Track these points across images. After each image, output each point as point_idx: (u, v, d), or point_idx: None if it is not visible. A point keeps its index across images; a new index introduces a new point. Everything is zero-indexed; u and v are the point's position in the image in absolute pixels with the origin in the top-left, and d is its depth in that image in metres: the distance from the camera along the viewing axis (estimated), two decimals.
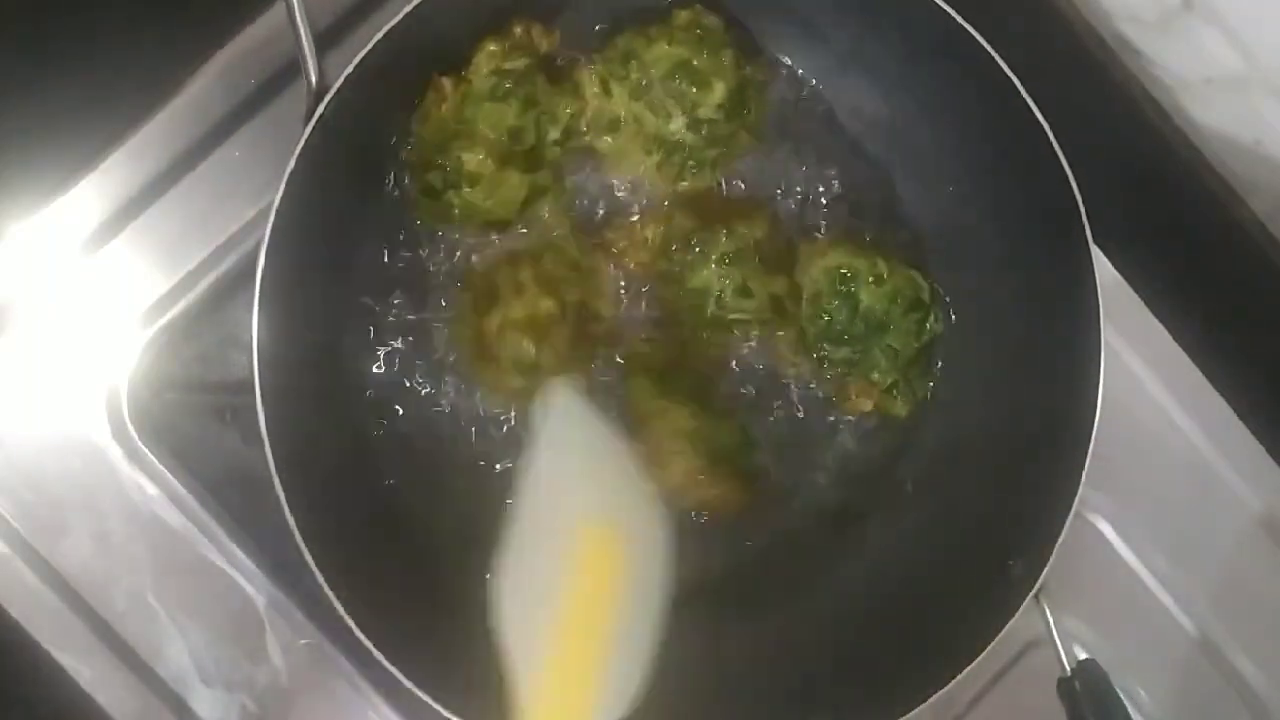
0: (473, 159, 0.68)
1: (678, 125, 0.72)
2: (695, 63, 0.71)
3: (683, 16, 0.72)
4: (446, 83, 0.69)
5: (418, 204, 0.71)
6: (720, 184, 0.75)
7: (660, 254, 0.72)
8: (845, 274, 0.72)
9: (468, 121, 0.68)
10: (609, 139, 0.73)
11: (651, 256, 0.73)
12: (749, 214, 0.73)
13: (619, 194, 0.74)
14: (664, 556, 0.62)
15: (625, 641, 0.60)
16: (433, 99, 0.69)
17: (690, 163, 0.73)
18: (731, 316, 0.72)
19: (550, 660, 0.58)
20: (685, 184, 0.74)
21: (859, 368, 0.73)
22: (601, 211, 0.74)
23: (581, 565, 0.59)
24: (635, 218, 0.74)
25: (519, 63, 0.69)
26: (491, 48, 0.69)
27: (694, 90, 0.71)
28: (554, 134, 0.71)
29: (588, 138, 0.73)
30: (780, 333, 0.74)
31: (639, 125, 0.72)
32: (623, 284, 0.74)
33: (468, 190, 0.69)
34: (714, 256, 0.71)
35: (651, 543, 0.62)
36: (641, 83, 0.71)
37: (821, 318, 0.73)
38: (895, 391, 0.74)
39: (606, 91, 0.72)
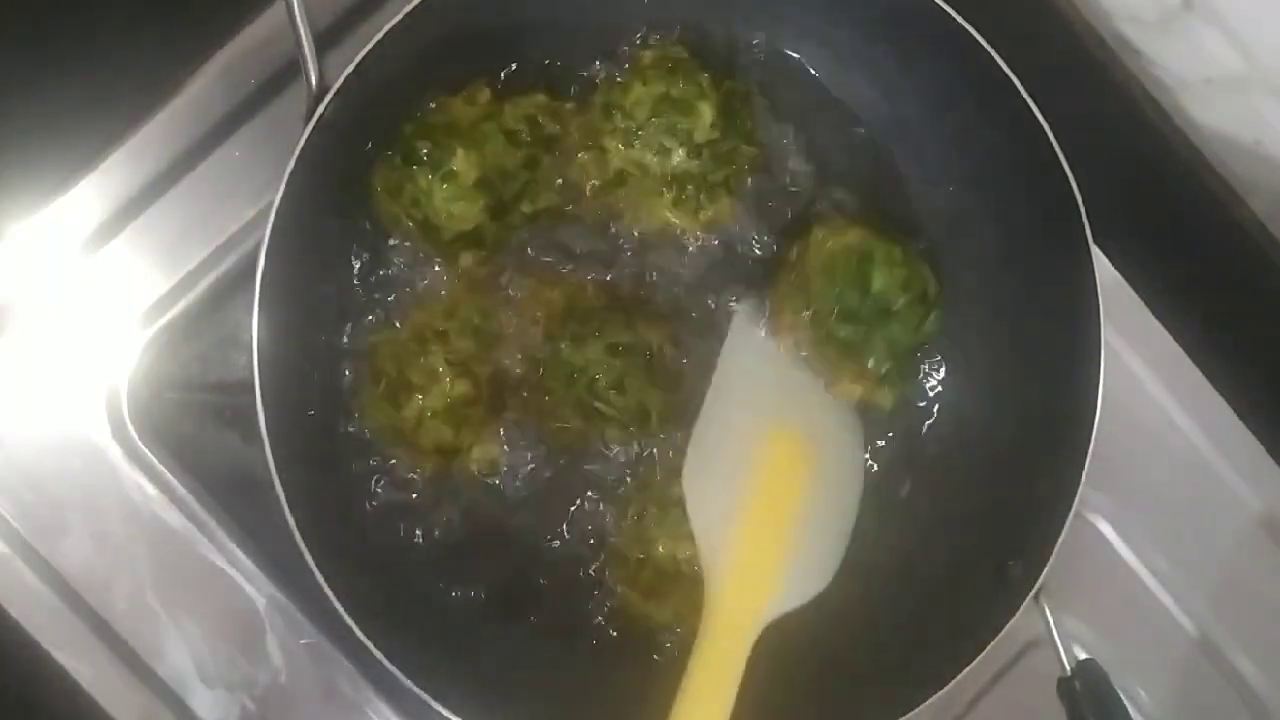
0: (462, 159, 0.68)
1: (679, 157, 0.71)
2: (674, 93, 0.71)
3: (647, 56, 0.72)
4: (487, 92, 0.70)
5: (380, 174, 0.69)
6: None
7: (560, 321, 0.72)
8: (865, 253, 0.70)
9: (477, 133, 0.69)
10: (620, 193, 0.73)
11: (550, 323, 0.72)
12: (658, 320, 0.72)
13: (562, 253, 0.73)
14: (857, 458, 0.73)
15: (814, 534, 0.69)
16: (465, 97, 0.69)
17: (702, 192, 0.72)
18: (597, 405, 0.70)
19: (740, 549, 0.67)
20: (707, 213, 0.73)
21: (857, 351, 0.72)
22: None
23: (769, 467, 0.69)
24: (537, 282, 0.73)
25: (552, 128, 0.71)
26: (540, 98, 0.70)
27: (683, 119, 0.71)
28: (527, 206, 0.71)
29: (600, 199, 0.73)
30: (783, 305, 0.73)
31: (643, 170, 0.72)
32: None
33: (439, 183, 0.68)
34: (606, 342, 0.70)
35: (842, 446, 0.73)
36: (632, 129, 0.71)
37: (833, 292, 0.70)
38: (886, 382, 0.73)
39: (601, 150, 0.72)
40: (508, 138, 0.69)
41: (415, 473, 0.70)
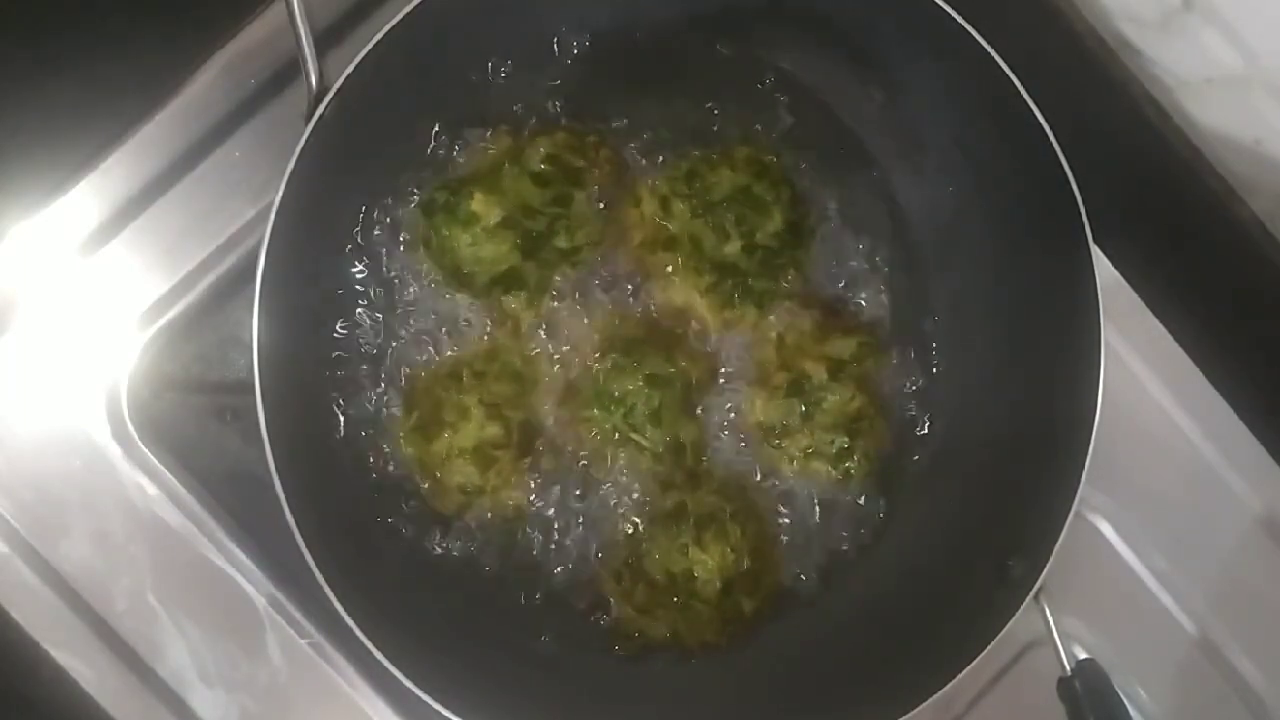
0: (481, 201, 0.69)
1: (734, 248, 0.72)
2: (755, 190, 0.72)
3: (742, 151, 0.73)
4: (507, 138, 0.70)
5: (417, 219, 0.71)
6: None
7: (602, 349, 0.72)
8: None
9: (496, 175, 0.69)
10: (663, 257, 0.72)
11: (591, 350, 0.72)
12: (697, 355, 0.73)
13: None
14: None
15: None
16: (493, 139, 0.70)
17: (738, 293, 0.72)
18: (632, 436, 0.71)
19: None
20: (730, 313, 0.73)
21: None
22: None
23: None
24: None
25: (577, 162, 0.70)
26: (561, 138, 0.70)
27: (753, 214, 0.72)
28: (563, 242, 0.71)
29: (638, 254, 0.73)
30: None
31: (695, 245, 0.72)
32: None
33: (460, 230, 0.69)
34: (645, 372, 0.71)
35: None
36: (703, 202, 0.71)
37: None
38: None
39: (666, 209, 0.72)
40: (532, 177, 0.70)
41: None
